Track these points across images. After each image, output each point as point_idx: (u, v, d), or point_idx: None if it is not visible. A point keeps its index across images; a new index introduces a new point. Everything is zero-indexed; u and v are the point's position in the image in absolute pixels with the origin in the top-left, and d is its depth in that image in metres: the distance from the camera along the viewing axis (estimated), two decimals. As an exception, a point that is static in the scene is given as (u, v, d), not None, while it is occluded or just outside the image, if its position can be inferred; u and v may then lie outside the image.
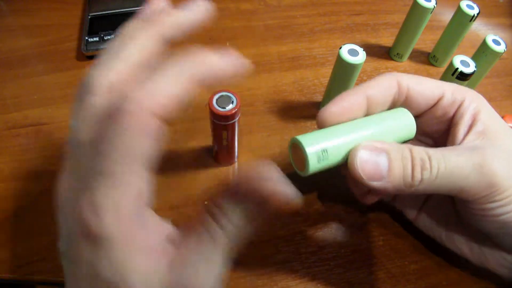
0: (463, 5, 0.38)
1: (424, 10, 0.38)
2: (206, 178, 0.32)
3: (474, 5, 0.39)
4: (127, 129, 0.15)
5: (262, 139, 0.35)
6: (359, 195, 0.27)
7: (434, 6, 0.37)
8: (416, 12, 0.38)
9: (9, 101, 0.36)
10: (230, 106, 0.26)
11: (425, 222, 0.27)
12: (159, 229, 0.17)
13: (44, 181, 0.31)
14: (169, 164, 0.32)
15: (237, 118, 0.27)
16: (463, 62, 0.33)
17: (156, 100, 0.15)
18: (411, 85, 0.23)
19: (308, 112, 0.38)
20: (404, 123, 0.23)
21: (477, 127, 0.23)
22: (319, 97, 0.39)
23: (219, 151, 0.31)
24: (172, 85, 0.16)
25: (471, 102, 0.23)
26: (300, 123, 0.37)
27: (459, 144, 0.23)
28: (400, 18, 0.43)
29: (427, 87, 0.24)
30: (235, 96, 0.27)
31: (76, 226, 0.16)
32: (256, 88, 0.39)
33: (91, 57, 0.40)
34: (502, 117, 0.40)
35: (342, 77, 0.33)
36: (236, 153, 0.33)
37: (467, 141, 0.23)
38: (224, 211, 0.17)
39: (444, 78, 0.34)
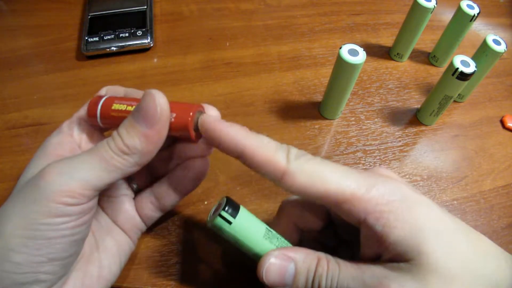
0: (463, 5, 0.38)
1: (424, 10, 0.38)
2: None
3: (474, 5, 0.38)
4: None
5: (262, 139, 0.35)
6: None
7: (434, 6, 0.37)
8: (416, 12, 0.38)
9: (9, 101, 0.36)
10: None
11: None
12: None
13: (44, 181, 0.31)
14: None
15: None
16: (463, 62, 0.33)
17: None
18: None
19: (308, 112, 0.38)
20: None
21: (389, 252, 0.19)
22: (319, 97, 0.39)
23: None
24: None
25: (376, 221, 0.19)
26: (300, 123, 0.37)
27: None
28: (400, 18, 0.43)
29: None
30: None
31: None
32: (256, 88, 0.39)
33: (91, 57, 0.40)
34: (502, 117, 0.40)
35: (342, 77, 0.33)
36: None
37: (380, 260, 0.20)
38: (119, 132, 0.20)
39: (444, 78, 0.34)
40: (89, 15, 0.42)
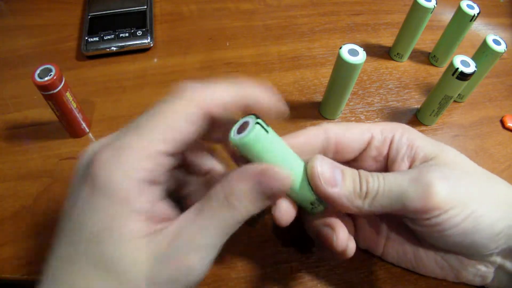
0: (463, 5, 0.38)
1: (424, 10, 0.38)
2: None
3: (474, 5, 0.38)
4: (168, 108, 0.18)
5: (262, 139, 0.35)
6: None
7: (434, 6, 0.37)
8: (416, 12, 0.38)
9: (9, 101, 0.36)
10: (48, 77, 0.29)
11: (392, 256, 0.28)
12: (155, 197, 0.19)
13: (44, 181, 0.31)
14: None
15: (58, 88, 0.29)
16: (463, 62, 0.33)
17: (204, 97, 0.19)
18: (339, 133, 0.24)
19: (308, 112, 0.38)
20: None
21: (418, 156, 0.24)
22: (319, 97, 0.39)
23: (64, 124, 0.33)
24: (222, 91, 0.20)
25: (401, 135, 0.24)
26: (300, 123, 0.37)
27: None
28: (400, 18, 0.43)
29: (355, 133, 0.24)
30: (54, 68, 0.29)
31: (86, 176, 0.17)
32: (256, 88, 0.39)
33: (91, 57, 0.40)
34: (502, 117, 0.40)
35: (342, 77, 0.33)
36: (83, 125, 0.34)
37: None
38: (233, 188, 0.18)
39: (444, 78, 0.34)
40: (89, 15, 0.42)
